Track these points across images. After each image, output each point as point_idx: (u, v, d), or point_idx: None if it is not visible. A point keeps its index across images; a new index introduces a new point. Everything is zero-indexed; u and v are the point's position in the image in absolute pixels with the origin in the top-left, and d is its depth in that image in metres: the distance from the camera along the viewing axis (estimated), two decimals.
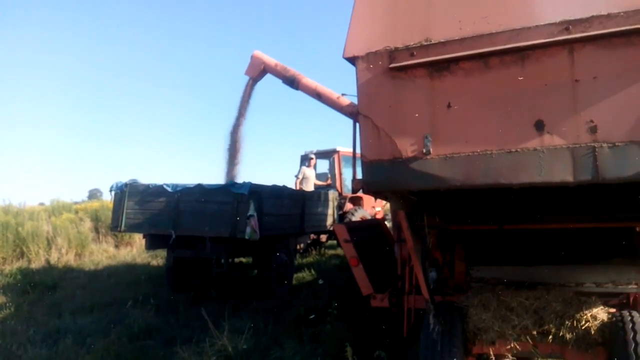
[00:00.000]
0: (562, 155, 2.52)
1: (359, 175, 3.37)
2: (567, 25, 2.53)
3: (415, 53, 2.92)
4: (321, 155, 12.81)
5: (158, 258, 12.21)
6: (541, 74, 2.58)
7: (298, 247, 10.53)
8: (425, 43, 2.91)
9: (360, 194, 11.16)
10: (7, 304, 7.62)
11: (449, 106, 2.83)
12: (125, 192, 7.97)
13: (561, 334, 3.60)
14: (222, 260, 8.40)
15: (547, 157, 2.55)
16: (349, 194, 11.81)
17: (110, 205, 8.98)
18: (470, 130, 2.79)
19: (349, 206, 11.80)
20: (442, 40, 2.87)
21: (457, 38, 2.82)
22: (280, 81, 8.70)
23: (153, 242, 8.29)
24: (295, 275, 9.32)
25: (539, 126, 2.58)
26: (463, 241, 4.77)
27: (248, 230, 7.00)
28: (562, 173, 2.52)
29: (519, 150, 2.61)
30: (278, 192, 8.30)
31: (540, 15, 2.62)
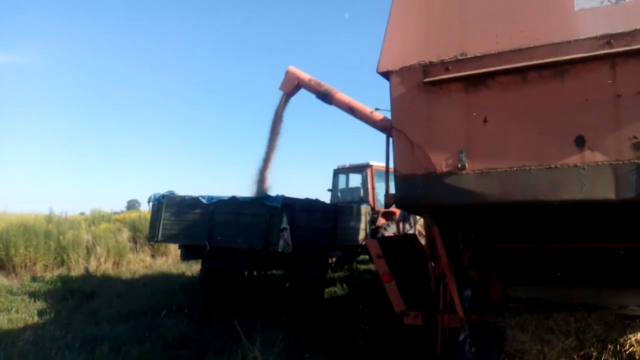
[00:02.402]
0: (604, 172, 2.44)
1: (392, 190, 3.35)
2: (608, 39, 2.46)
3: (450, 67, 2.90)
4: (354, 169, 12.80)
5: (193, 269, 12.41)
6: (581, 89, 2.52)
7: (330, 261, 10.51)
8: (461, 57, 2.88)
9: (393, 208, 11.09)
10: (47, 310, 7.88)
11: (485, 121, 2.79)
12: (163, 204, 8.18)
13: (603, 358, 3.44)
14: (255, 273, 8.49)
15: (589, 174, 2.47)
16: (382, 209, 11.73)
17: (148, 216, 9.23)
18: (507, 145, 2.73)
19: (381, 221, 11.70)
20: (478, 55, 2.84)
21: (493, 52, 2.79)
22: (314, 96, 8.77)
23: (188, 253, 8.45)
24: (326, 290, 9.29)
25: (580, 142, 2.50)
26: (500, 259, 4.64)
27: (281, 243, 7.04)
28: (604, 190, 2.43)
29: (558, 166, 2.54)
30: (311, 206, 8.34)
31: (580, 29, 2.56)
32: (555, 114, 2.57)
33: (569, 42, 2.56)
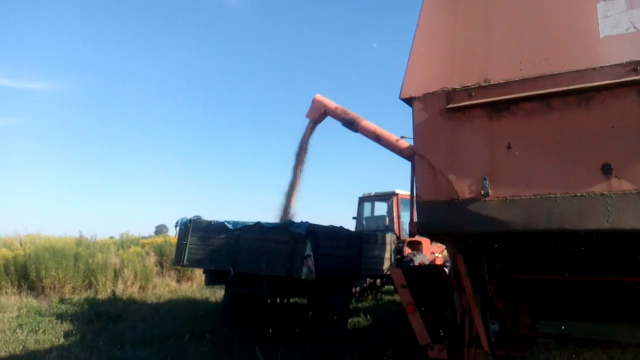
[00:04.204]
0: (632, 201, 2.37)
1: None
2: (635, 65, 2.43)
3: (473, 94, 2.90)
4: (380, 197, 12.75)
5: (217, 294, 12.43)
6: (607, 116, 2.48)
7: (354, 290, 10.37)
8: (484, 84, 2.89)
9: (419, 238, 10.94)
10: (73, 332, 7.99)
11: (508, 147, 2.76)
12: (189, 228, 8.28)
13: None
14: (278, 300, 8.43)
15: (616, 203, 2.40)
16: (408, 238, 11.58)
17: (174, 241, 9.34)
18: (532, 172, 2.69)
19: (407, 250, 11.54)
20: (502, 81, 2.83)
21: (517, 79, 2.78)
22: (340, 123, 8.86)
23: (213, 278, 8.48)
24: (350, 320, 9.14)
25: (606, 170, 2.45)
26: (528, 292, 4.50)
27: (304, 270, 6.99)
28: (633, 220, 2.36)
29: (584, 194, 2.48)
30: (335, 233, 8.29)
31: (606, 56, 2.53)
32: (580, 141, 2.53)
33: (594, 69, 2.54)
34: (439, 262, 12.05)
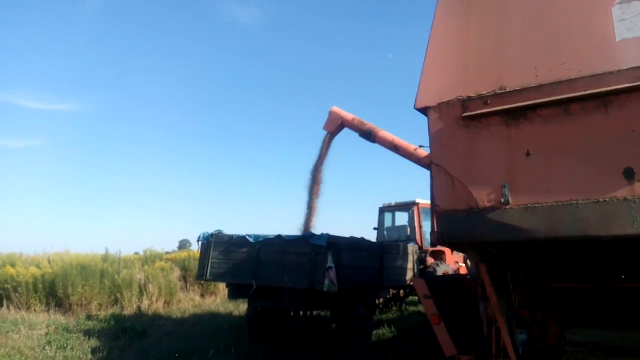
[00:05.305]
0: None
1: None
2: None
3: (489, 101, 2.89)
4: (400, 207, 12.67)
5: (240, 308, 12.47)
6: (627, 119, 2.43)
7: (377, 301, 10.29)
8: (500, 91, 2.87)
9: (442, 247, 10.81)
10: (100, 348, 8.10)
11: (527, 154, 2.73)
12: (211, 242, 8.35)
13: None
14: (301, 313, 8.40)
15: None
16: (430, 248, 11.47)
17: (197, 255, 9.42)
18: (552, 179, 2.65)
19: (430, 260, 11.41)
20: (518, 88, 2.82)
21: (533, 85, 2.76)
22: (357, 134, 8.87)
23: (235, 292, 8.51)
24: (374, 332, 9.05)
25: (629, 174, 2.40)
26: (555, 300, 4.40)
27: (326, 282, 6.97)
28: None
29: (607, 199, 2.44)
30: (356, 244, 8.26)
31: (623, 59, 2.50)
32: (601, 146, 2.49)
33: (611, 72, 2.51)
34: (463, 271, 11.88)
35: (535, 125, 2.73)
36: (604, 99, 2.51)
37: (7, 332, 9.05)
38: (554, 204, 2.62)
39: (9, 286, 11.92)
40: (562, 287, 4.28)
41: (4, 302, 11.77)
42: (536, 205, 2.67)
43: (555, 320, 4.38)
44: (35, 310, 11.61)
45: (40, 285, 12.03)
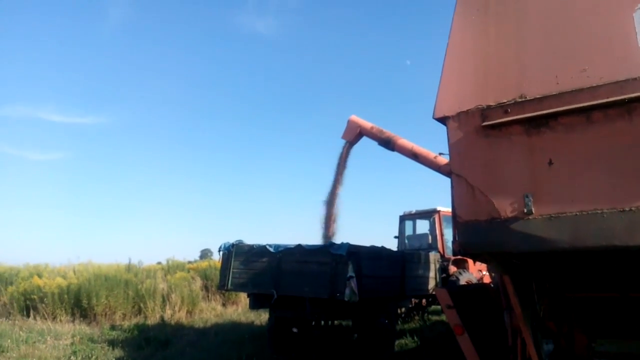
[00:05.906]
0: None
1: None
2: None
3: (509, 110, 2.86)
4: (421, 215, 12.55)
5: (262, 318, 12.49)
6: None
7: (399, 311, 10.18)
8: (520, 100, 2.84)
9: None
10: (124, 358, 8.20)
11: (550, 163, 2.69)
12: (232, 252, 8.39)
13: None
14: (322, 322, 8.37)
15: None
16: (452, 256, 11.31)
17: (218, 265, 9.49)
18: (576, 188, 2.61)
19: (452, 269, 11.26)
20: (539, 96, 2.78)
21: (554, 93, 2.73)
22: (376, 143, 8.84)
23: (257, 302, 8.52)
24: (397, 342, 8.96)
25: None
26: (582, 310, 4.30)
27: (347, 291, 6.93)
28: None
29: (633, 208, 2.38)
30: (377, 253, 8.21)
31: None
32: (625, 153, 2.44)
33: (634, 79, 2.46)
34: (487, 280, 11.68)
35: (557, 133, 2.69)
36: (627, 106, 2.46)
37: (34, 342, 9.22)
38: (578, 213, 2.57)
39: (35, 297, 12.17)
40: (589, 297, 4.18)
41: (31, 312, 12.02)
42: (560, 215, 2.63)
43: (583, 331, 4.28)
44: (60, 320, 11.81)
45: (65, 296, 12.24)
